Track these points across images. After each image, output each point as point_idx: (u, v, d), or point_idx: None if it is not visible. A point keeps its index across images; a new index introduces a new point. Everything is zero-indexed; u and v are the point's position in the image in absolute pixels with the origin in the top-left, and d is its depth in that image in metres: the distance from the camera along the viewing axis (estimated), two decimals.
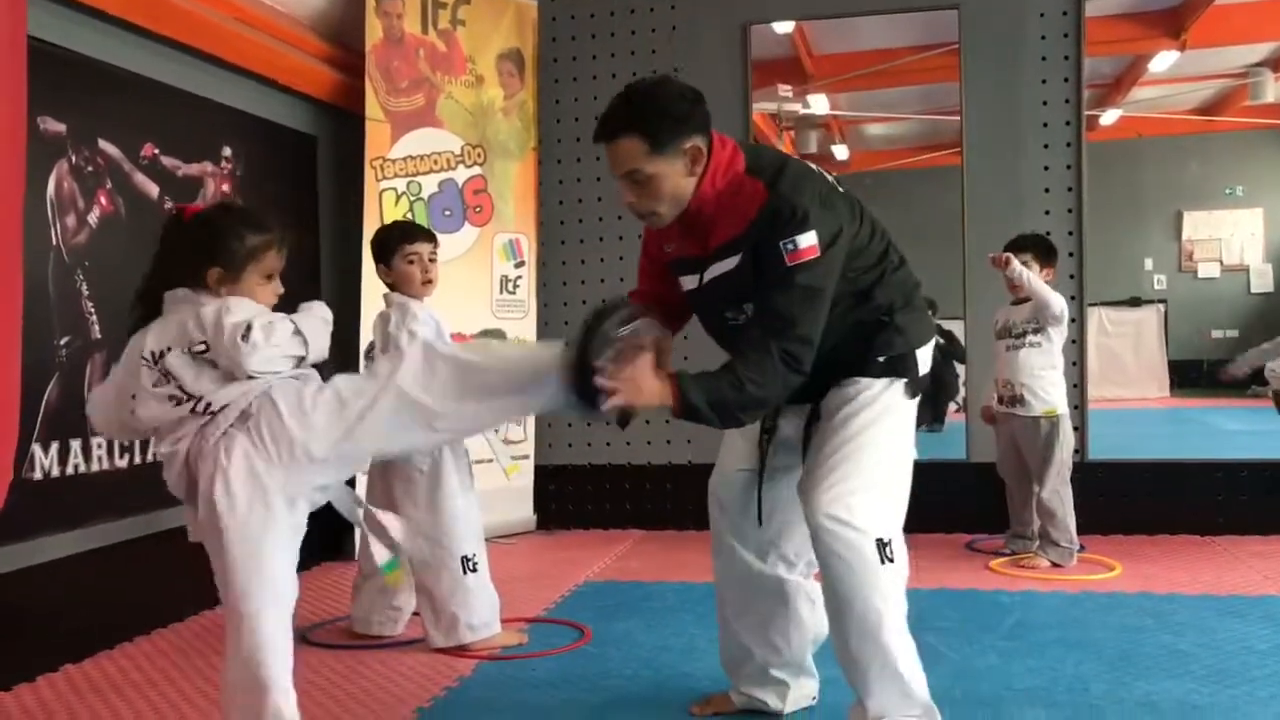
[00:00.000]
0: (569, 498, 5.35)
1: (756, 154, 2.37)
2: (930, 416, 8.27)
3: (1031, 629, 3.35)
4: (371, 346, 3.32)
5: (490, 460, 5.05)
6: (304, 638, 3.38)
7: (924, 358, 2.45)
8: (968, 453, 4.96)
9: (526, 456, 5.26)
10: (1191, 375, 11.21)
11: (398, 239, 3.35)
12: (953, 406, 8.16)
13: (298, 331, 2.18)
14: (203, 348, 2.13)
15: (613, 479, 5.31)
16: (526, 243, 5.24)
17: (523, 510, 5.24)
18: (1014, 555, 4.38)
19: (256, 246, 2.23)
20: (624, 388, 2.12)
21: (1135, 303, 10.99)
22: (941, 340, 6.69)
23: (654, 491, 5.26)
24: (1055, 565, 4.19)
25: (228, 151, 4.09)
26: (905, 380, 2.40)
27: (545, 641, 3.34)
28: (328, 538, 4.63)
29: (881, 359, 2.39)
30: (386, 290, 3.38)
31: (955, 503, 4.92)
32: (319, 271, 4.74)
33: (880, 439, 2.36)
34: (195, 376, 2.14)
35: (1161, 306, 11.11)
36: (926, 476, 4.98)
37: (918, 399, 2.46)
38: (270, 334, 2.13)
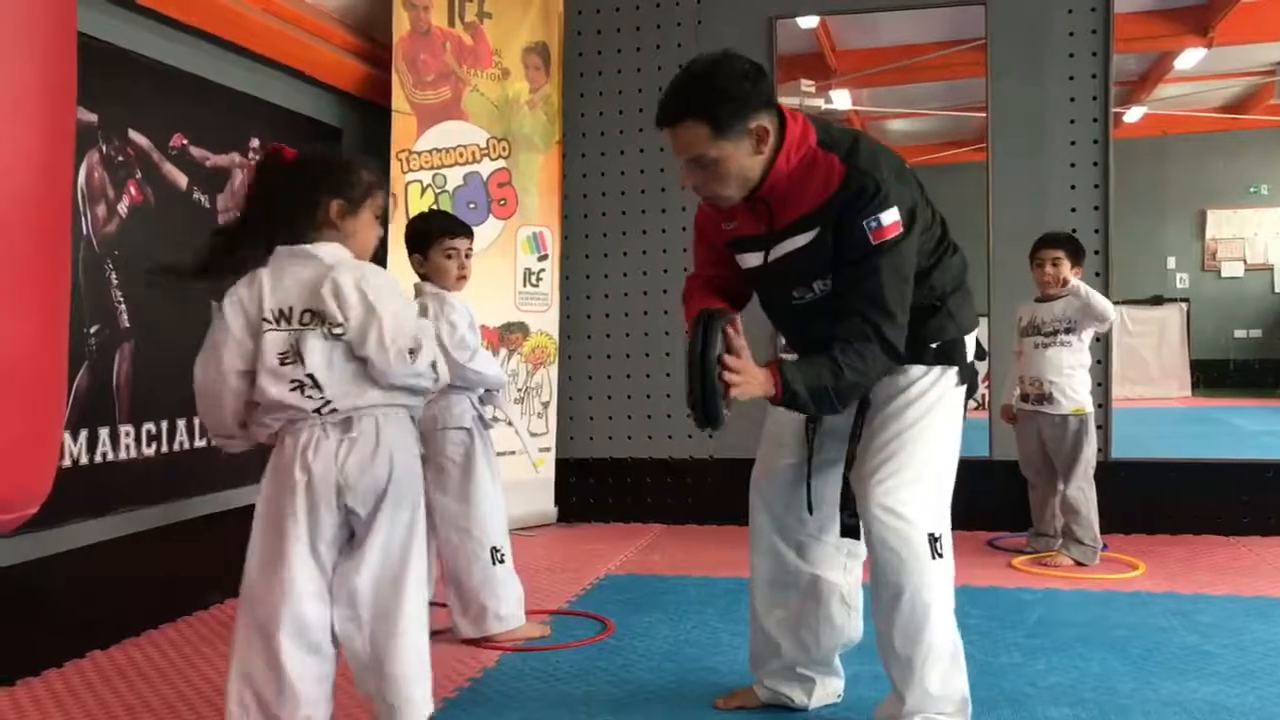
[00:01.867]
0: (590, 491, 5.36)
1: (827, 128, 2.33)
2: None
3: (1055, 627, 3.34)
4: None
5: (514, 453, 5.07)
6: None
7: (971, 345, 2.44)
8: (990, 450, 4.94)
9: (548, 449, 5.26)
10: (1214, 375, 11.16)
11: (438, 231, 3.32)
12: (972, 404, 8.16)
13: (433, 366, 2.24)
14: (341, 331, 2.14)
15: (634, 473, 5.32)
16: (550, 236, 5.25)
17: (544, 503, 5.26)
18: (1037, 554, 4.37)
19: (372, 183, 2.29)
20: (737, 380, 2.15)
21: (1158, 301, 10.92)
22: None
23: (675, 486, 5.27)
24: (1079, 564, 4.17)
25: (255, 143, 4.11)
26: (956, 369, 2.39)
27: (568, 634, 3.35)
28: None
29: (934, 345, 2.37)
30: (418, 280, 3.37)
31: (977, 500, 4.84)
32: None
33: (933, 430, 2.34)
34: (328, 366, 2.16)
35: (1184, 305, 11.04)
36: None
37: (965, 388, 2.44)
38: (427, 358, 2.21)
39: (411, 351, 2.17)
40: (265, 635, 2.17)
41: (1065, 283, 4.27)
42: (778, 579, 2.58)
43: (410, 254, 3.36)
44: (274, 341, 2.16)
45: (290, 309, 2.16)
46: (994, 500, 4.80)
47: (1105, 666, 2.95)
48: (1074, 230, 4.69)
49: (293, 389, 2.16)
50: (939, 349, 2.37)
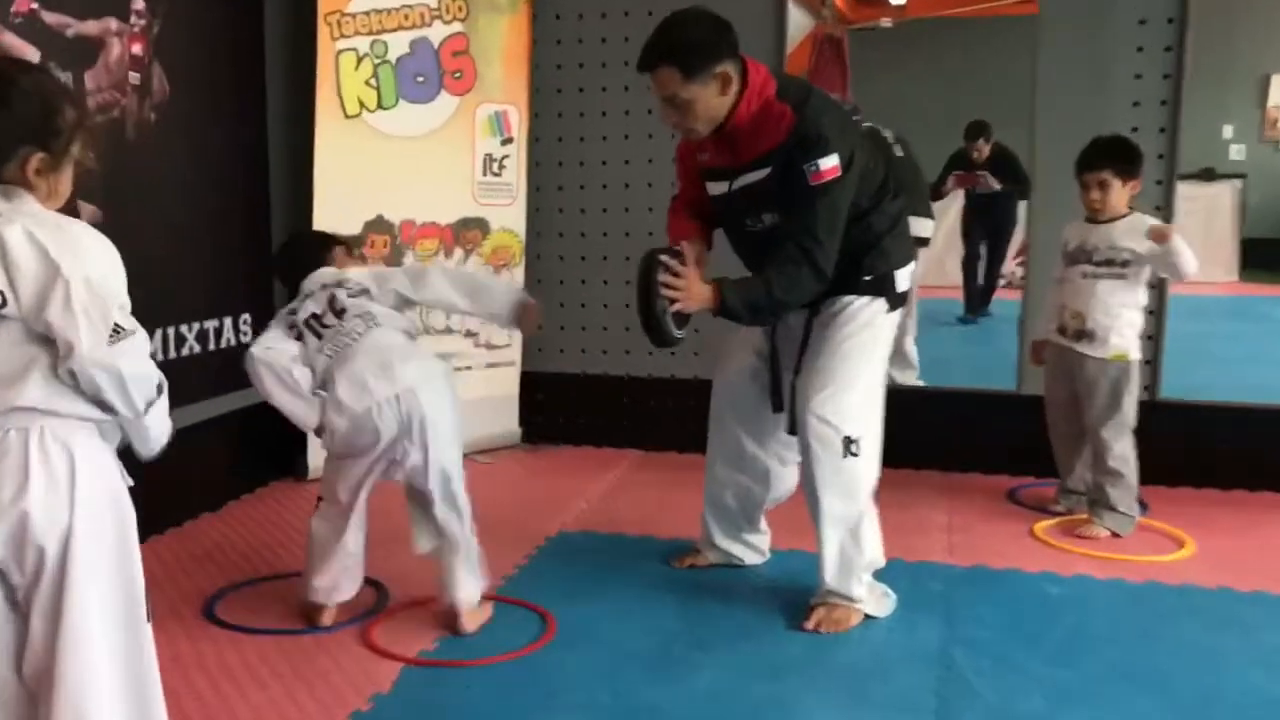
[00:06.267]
0: (559, 409, 4.73)
1: (785, 81, 2.79)
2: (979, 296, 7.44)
3: (1087, 646, 2.73)
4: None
5: (469, 368, 4.44)
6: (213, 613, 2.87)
7: (902, 277, 2.90)
8: (1018, 383, 4.26)
9: (512, 363, 4.63)
10: (1268, 256, 10.31)
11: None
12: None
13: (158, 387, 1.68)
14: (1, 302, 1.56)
15: (609, 391, 4.68)
16: (516, 116, 4.47)
17: (506, 422, 4.65)
18: (1063, 516, 3.75)
19: (77, 122, 1.67)
20: (679, 296, 2.66)
21: (1210, 176, 10.01)
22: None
23: (655, 407, 4.63)
24: (1114, 535, 3.55)
25: (140, 4, 3.35)
26: (884, 298, 2.87)
27: (493, 632, 2.77)
28: (280, 453, 4.07)
29: (868, 278, 2.85)
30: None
31: (998, 440, 4.26)
32: (266, 155, 4.02)
33: (863, 350, 2.84)
34: None
35: (1239, 181, 10.16)
36: (967, 409, 4.36)
37: (898, 313, 2.93)
38: (140, 359, 1.66)
39: (117, 331, 1.58)
40: None
41: (1122, 207, 3.54)
42: (737, 462, 3.13)
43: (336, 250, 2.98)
44: None
45: None
46: (1017, 439, 4.15)
47: None
48: (1135, 129, 3.91)
49: None
50: (872, 281, 2.85)
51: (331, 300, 2.73)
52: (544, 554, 3.39)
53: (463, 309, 2.88)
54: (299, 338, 2.72)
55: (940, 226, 6.30)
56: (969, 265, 6.80)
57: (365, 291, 2.75)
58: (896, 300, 2.90)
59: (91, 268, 1.58)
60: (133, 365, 1.60)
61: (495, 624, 2.83)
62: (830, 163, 2.63)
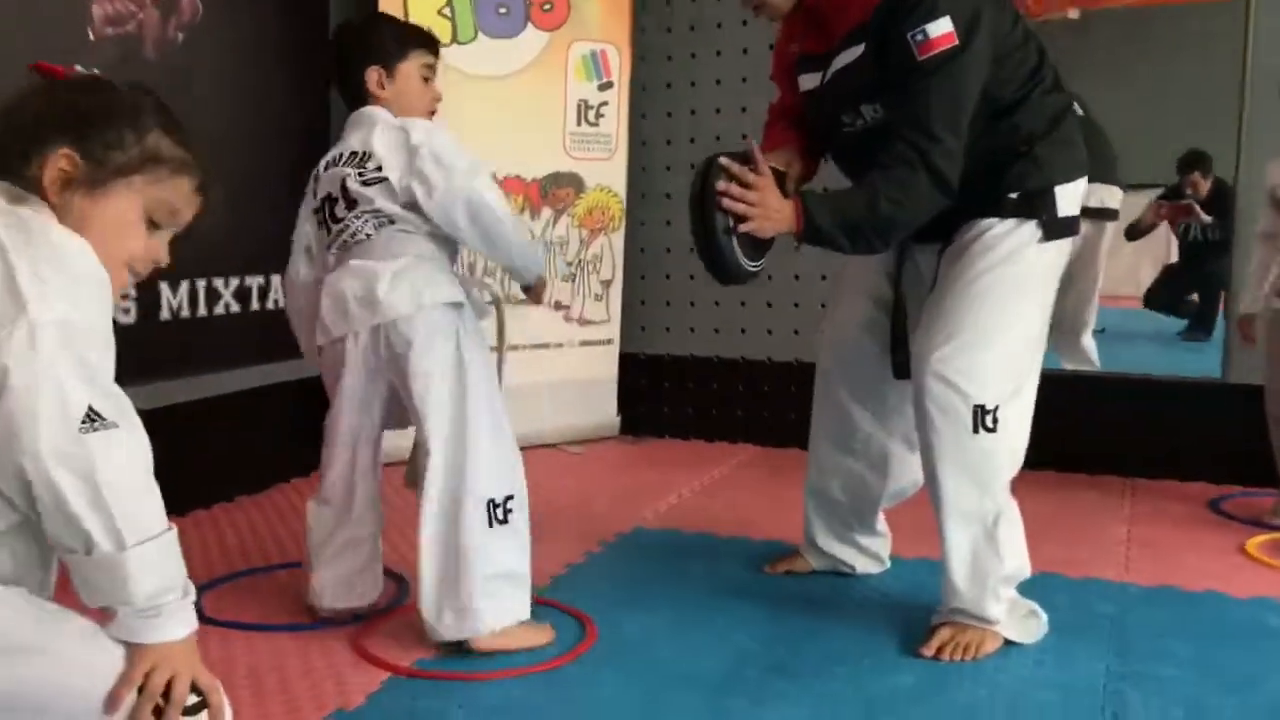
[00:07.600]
0: (664, 397, 4.15)
1: None
2: (1195, 319, 6.21)
3: None
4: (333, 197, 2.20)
5: (560, 345, 3.90)
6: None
7: (1066, 197, 2.18)
8: (1224, 369, 3.44)
9: (609, 342, 4.05)
10: None
11: (416, 41, 2.26)
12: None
13: None
14: None
15: (722, 377, 4.07)
16: (616, 56, 3.93)
17: (604, 410, 4.07)
18: None
19: (157, 150, 1.29)
20: (748, 212, 2.04)
21: None
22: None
23: (774, 396, 3.99)
24: None
25: None
26: (1037, 221, 2.16)
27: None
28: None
29: (1014, 195, 2.16)
30: (372, 108, 2.21)
31: (1200, 439, 3.45)
32: (325, 92, 3.58)
33: (1003, 289, 2.14)
34: None
35: None
36: (1158, 401, 3.56)
37: (1065, 244, 2.21)
38: None
39: (91, 419, 1.14)
40: None
41: None
42: (843, 441, 2.48)
43: (365, 66, 2.20)
44: None
45: None
46: (1223, 439, 3.35)
47: None
48: None
49: None
50: (1020, 199, 2.16)
51: (344, 185, 2.14)
52: (609, 552, 2.79)
53: (472, 247, 2.18)
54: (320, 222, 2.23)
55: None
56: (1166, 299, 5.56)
57: (384, 181, 2.10)
58: (1057, 227, 2.17)
59: (75, 308, 1.14)
60: (115, 468, 1.11)
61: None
62: (942, 28, 1.98)
